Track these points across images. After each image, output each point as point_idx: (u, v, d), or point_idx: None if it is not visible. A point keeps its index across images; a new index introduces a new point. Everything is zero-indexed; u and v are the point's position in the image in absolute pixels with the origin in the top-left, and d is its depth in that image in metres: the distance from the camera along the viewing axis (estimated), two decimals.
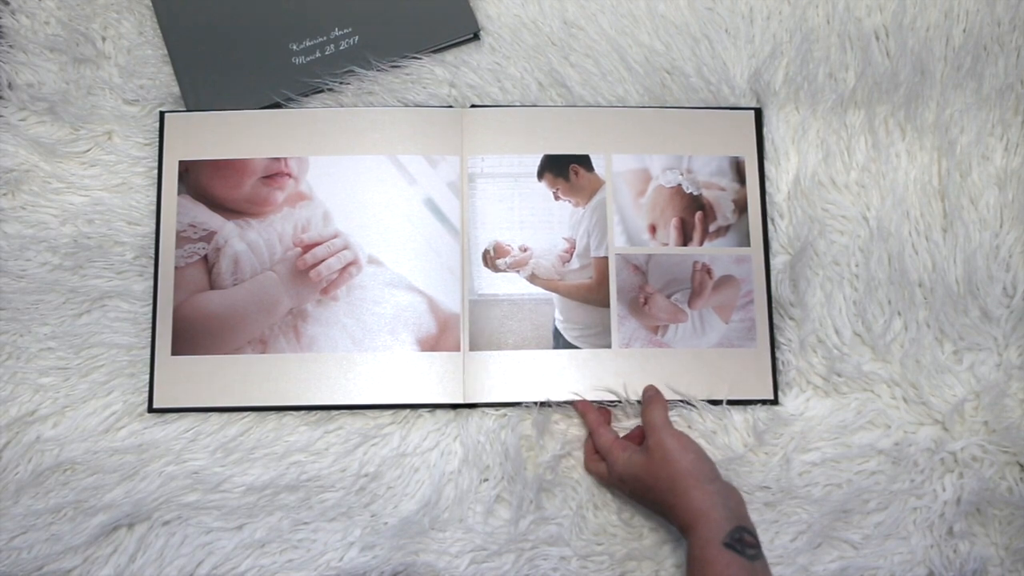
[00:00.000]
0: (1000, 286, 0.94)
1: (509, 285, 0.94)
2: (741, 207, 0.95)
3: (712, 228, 0.95)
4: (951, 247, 0.94)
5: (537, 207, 0.95)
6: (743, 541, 0.76)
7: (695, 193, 0.96)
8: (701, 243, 0.95)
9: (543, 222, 0.95)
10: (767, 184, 0.97)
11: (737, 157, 0.96)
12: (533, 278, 0.94)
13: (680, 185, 0.96)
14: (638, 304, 0.94)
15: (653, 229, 0.95)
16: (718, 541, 0.76)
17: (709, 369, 0.92)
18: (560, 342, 0.93)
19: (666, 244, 0.95)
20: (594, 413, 0.91)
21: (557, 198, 0.95)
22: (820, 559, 0.89)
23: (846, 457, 0.91)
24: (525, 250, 0.94)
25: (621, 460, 0.85)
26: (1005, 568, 0.88)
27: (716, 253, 0.95)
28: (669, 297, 0.94)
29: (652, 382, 0.92)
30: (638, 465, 0.84)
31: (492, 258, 0.94)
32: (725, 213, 0.95)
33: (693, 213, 0.95)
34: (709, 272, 0.94)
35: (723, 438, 0.91)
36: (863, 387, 0.92)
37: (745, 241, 0.95)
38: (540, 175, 0.96)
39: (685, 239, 0.95)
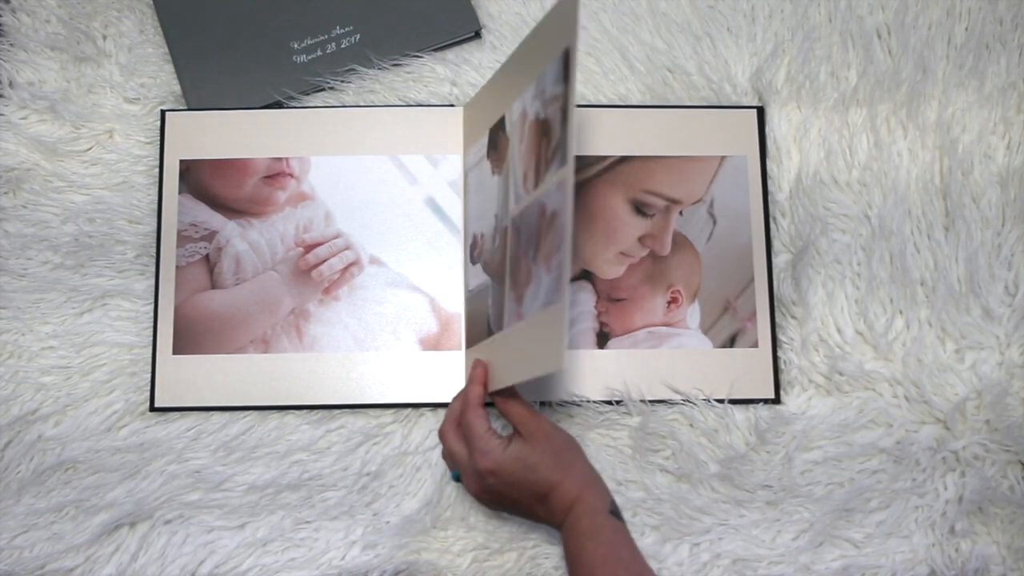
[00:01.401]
0: (1002, 285, 0.93)
1: (479, 277, 0.92)
2: (563, 112, 0.72)
3: (550, 154, 0.75)
4: (953, 246, 0.94)
5: (486, 189, 0.91)
6: (619, 510, 0.78)
7: (543, 117, 0.77)
8: (542, 178, 0.76)
9: (488, 202, 0.90)
10: (769, 183, 0.97)
11: (568, 48, 0.72)
12: (485, 265, 0.91)
13: (537, 113, 0.79)
14: (516, 275, 0.81)
15: (525, 180, 0.81)
16: (605, 509, 0.77)
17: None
18: (490, 331, 0.87)
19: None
20: (481, 388, 0.82)
21: (493, 173, 0.90)
22: (822, 558, 0.89)
23: (848, 456, 0.91)
24: (482, 237, 0.92)
25: (498, 449, 0.78)
26: (1007, 567, 0.88)
27: (543, 190, 0.76)
28: (530, 257, 0.78)
29: (522, 366, 0.77)
30: (519, 449, 0.78)
31: (474, 252, 0.94)
32: (555, 127, 0.74)
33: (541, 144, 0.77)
34: (544, 212, 0.76)
35: (725, 437, 0.91)
36: (865, 386, 0.92)
37: (564, 159, 0.72)
38: (488, 153, 0.91)
39: (537, 179, 0.78)
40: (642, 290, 0.94)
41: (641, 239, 0.95)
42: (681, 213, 0.95)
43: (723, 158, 0.96)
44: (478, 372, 0.83)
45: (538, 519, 0.80)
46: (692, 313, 0.94)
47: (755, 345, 0.93)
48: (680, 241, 0.95)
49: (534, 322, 0.75)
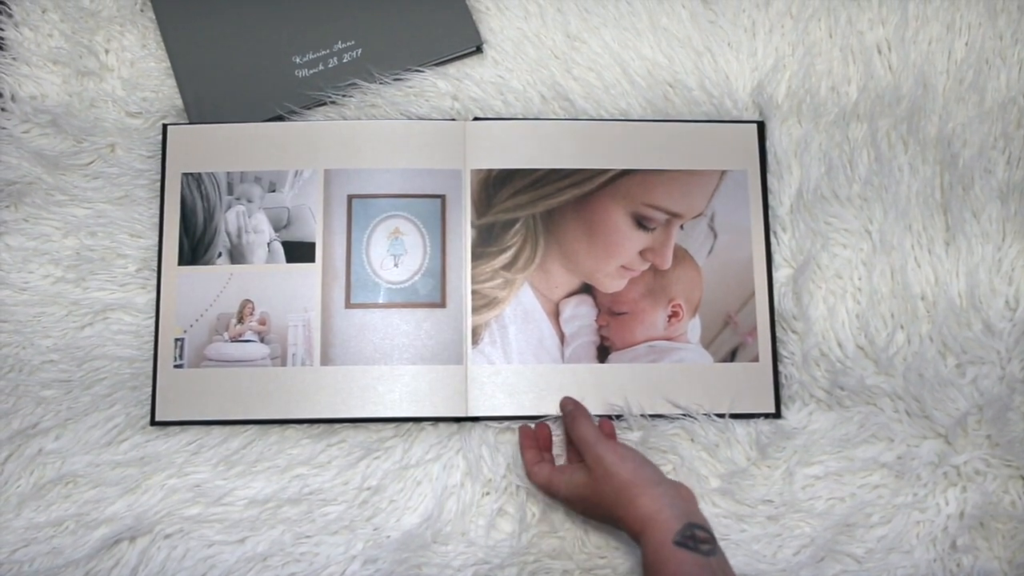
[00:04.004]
0: (1003, 299, 0.94)
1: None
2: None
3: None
4: (953, 260, 0.94)
5: None
6: (695, 538, 0.76)
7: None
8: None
9: None
10: (770, 197, 0.97)
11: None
12: None
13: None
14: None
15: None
16: (669, 541, 0.76)
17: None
18: None
19: None
20: (529, 453, 0.89)
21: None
22: (823, 573, 0.88)
23: (849, 471, 0.90)
24: None
25: (563, 486, 0.85)
26: None
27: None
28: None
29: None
30: (580, 485, 0.84)
31: None
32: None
33: None
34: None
35: (725, 451, 0.91)
36: (866, 400, 0.92)
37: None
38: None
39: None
40: (643, 304, 0.94)
41: (642, 253, 0.95)
42: (682, 227, 0.95)
43: (724, 172, 0.96)
44: (525, 430, 0.91)
45: None
46: (693, 327, 0.94)
47: (756, 359, 0.93)
48: (681, 255, 0.95)
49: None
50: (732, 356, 0.93)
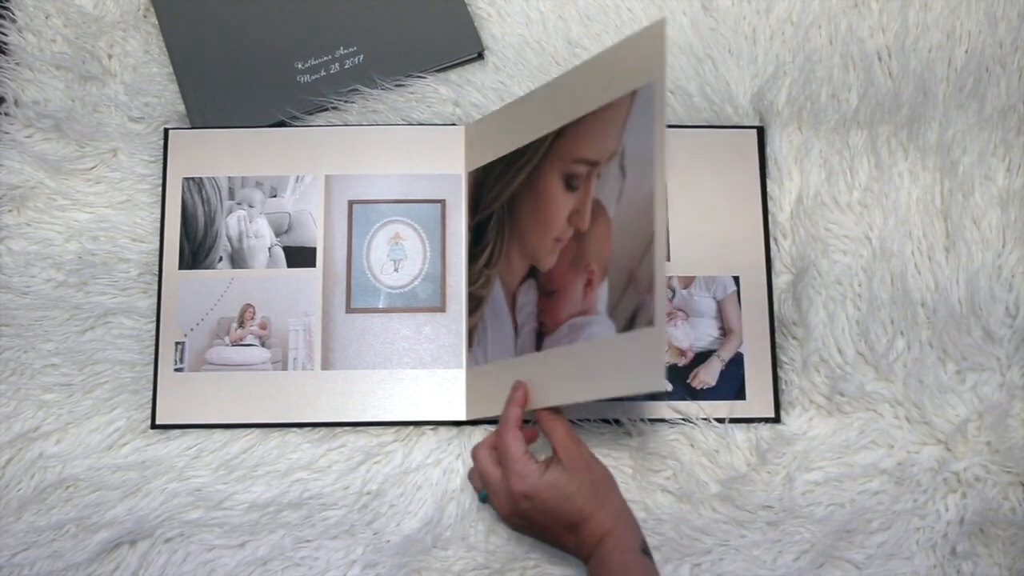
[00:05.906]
0: (1003, 306, 0.94)
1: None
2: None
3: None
4: (954, 267, 0.94)
5: None
6: (648, 552, 0.78)
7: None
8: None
9: None
10: (770, 204, 0.97)
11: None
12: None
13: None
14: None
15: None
16: (637, 548, 0.77)
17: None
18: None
19: None
20: (519, 409, 0.81)
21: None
22: None
23: (849, 477, 0.90)
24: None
25: (535, 473, 0.77)
26: None
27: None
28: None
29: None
30: (556, 477, 0.77)
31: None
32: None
33: None
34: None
35: (725, 457, 0.91)
36: (866, 407, 0.92)
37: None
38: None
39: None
40: (569, 277, 0.82)
41: (569, 217, 0.83)
42: (599, 176, 0.80)
43: (634, 92, 0.77)
44: (518, 394, 0.82)
45: (565, 548, 0.81)
46: (602, 294, 0.79)
47: (651, 323, 0.73)
48: (596, 210, 0.80)
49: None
50: (632, 321, 0.75)
